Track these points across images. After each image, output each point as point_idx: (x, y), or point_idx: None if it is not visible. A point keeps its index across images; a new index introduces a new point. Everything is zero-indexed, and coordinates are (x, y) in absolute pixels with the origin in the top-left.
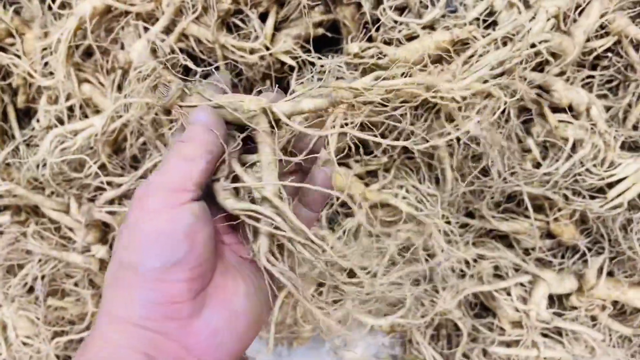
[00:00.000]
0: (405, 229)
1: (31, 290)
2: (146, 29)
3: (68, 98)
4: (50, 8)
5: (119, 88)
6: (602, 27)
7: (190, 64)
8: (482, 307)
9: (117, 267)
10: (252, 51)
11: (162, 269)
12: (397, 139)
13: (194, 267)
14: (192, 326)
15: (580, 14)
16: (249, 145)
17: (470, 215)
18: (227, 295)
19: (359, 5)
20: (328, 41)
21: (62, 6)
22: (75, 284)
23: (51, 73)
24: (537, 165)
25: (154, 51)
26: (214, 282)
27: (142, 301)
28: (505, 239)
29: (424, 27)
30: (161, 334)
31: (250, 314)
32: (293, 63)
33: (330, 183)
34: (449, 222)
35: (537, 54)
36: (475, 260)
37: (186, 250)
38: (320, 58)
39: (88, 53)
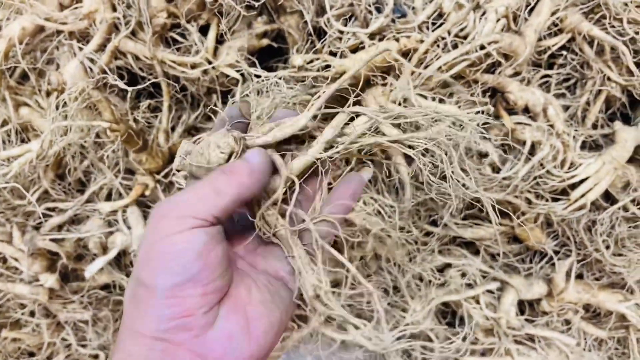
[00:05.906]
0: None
1: None
2: (81, 48)
3: (5, 123)
4: None
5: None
6: (555, 24)
7: (121, 84)
8: (453, 316)
9: (134, 285)
10: (193, 66)
11: (176, 287)
12: None
13: (208, 283)
14: (205, 336)
15: (530, 12)
16: None
17: (434, 223)
18: (241, 304)
19: (303, 14)
20: (276, 52)
21: None
22: (32, 314)
23: None
24: (498, 170)
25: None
26: (228, 294)
27: (157, 317)
28: (472, 246)
29: (371, 36)
30: (176, 344)
31: (266, 319)
32: (237, 76)
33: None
34: (409, 232)
35: (487, 55)
36: (440, 271)
37: (199, 268)
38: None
39: (26, 76)
